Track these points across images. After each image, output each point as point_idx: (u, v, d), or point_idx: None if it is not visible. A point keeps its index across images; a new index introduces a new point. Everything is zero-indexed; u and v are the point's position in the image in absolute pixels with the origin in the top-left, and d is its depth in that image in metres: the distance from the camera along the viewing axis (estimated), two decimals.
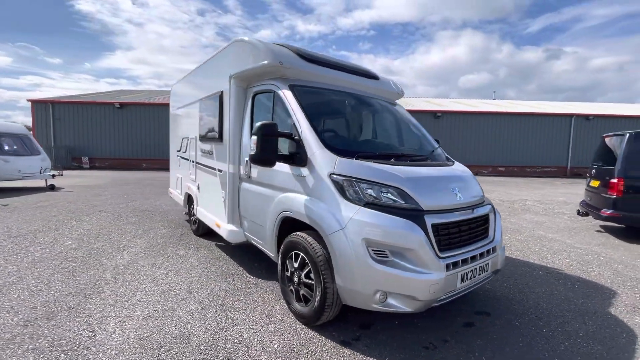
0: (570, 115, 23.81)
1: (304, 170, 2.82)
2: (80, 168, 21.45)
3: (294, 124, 3.00)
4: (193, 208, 5.62)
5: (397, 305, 2.35)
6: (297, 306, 2.87)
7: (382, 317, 2.93)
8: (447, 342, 2.62)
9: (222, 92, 4.13)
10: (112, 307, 3.05)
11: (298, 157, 2.88)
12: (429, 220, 2.44)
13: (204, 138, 4.80)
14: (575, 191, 13.83)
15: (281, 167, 3.10)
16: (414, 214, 2.42)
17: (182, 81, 6.13)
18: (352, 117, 3.73)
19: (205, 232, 5.55)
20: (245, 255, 4.64)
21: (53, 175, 11.63)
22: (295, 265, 2.87)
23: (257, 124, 2.77)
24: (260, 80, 3.63)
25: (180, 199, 6.23)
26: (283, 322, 2.86)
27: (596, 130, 23.88)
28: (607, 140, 6.82)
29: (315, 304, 2.64)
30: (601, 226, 7.14)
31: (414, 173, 2.71)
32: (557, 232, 6.52)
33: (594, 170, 6.71)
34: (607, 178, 6.03)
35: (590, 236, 6.27)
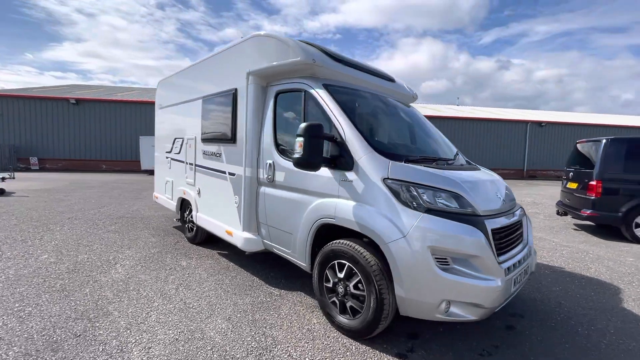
0: (526, 122, 25.80)
1: (350, 175, 2.66)
2: (28, 170, 19.28)
3: (333, 125, 2.84)
4: (189, 214, 5.20)
5: (460, 314, 2.28)
6: (343, 319, 2.70)
7: (427, 325, 2.86)
8: (498, 347, 2.60)
9: (235, 89, 3.84)
10: (128, 332, 2.67)
11: (342, 161, 2.72)
12: (489, 225, 2.40)
13: (208, 139, 4.45)
14: (537, 192, 14.93)
15: (319, 170, 2.92)
16: (475, 219, 2.37)
17: (175, 76, 5.65)
18: (383, 119, 3.64)
19: (204, 240, 5.16)
20: (256, 264, 4.35)
21: (3, 179, 10.28)
22: (341, 275, 2.70)
23: (303, 125, 2.57)
24: (285, 79, 3.41)
25: (171, 204, 5.74)
26: (328, 337, 2.67)
27: (548, 136, 26.12)
28: (579, 145, 7.40)
29: (368, 316, 2.49)
30: (576, 225, 7.72)
31: (464, 177, 2.67)
32: (541, 231, 6.93)
33: (571, 173, 7.23)
34: (586, 180, 6.52)
35: (571, 235, 6.74)
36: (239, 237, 3.77)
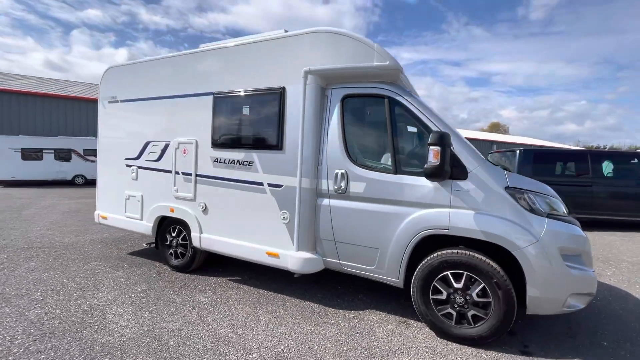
0: None
1: (465, 184, 2.69)
2: None
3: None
4: (176, 236, 4.20)
5: (576, 304, 2.58)
6: (461, 330, 2.68)
7: (523, 322, 3.05)
8: (619, 342, 2.88)
9: (283, 88, 3.35)
10: None
11: (455, 171, 2.71)
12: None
13: (228, 144, 3.71)
14: None
15: (418, 180, 2.83)
16: (571, 220, 2.74)
17: (153, 64, 4.41)
18: None
19: (198, 267, 4.25)
20: (289, 287, 3.84)
21: None
22: (458, 285, 2.68)
23: (437, 134, 2.47)
24: (356, 82, 3.17)
25: (138, 225, 4.49)
26: (451, 349, 2.60)
27: None
28: (490, 156, 9.22)
29: (495, 322, 2.56)
30: None
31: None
32: None
33: None
34: None
35: None
36: (292, 257, 3.28)
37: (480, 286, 2.61)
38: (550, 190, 2.84)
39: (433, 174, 2.54)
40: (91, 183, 15.80)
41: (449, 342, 2.71)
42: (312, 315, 3.16)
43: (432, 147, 2.48)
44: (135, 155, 4.54)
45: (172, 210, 4.17)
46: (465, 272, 2.65)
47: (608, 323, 3.16)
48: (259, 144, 3.53)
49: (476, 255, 2.62)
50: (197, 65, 4.00)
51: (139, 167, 4.50)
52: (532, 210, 2.58)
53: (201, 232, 3.94)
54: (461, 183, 2.71)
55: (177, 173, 4.12)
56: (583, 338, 2.87)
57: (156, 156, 4.33)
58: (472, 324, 2.66)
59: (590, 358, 2.58)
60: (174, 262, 4.29)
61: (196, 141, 3.95)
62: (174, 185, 4.14)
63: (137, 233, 4.71)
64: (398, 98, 2.99)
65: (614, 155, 8.75)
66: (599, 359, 2.58)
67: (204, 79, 3.91)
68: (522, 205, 2.59)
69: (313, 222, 3.29)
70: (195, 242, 3.97)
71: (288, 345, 2.62)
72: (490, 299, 2.58)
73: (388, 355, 2.52)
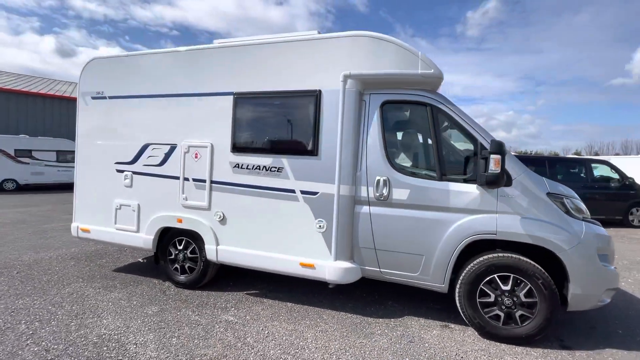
0: None
1: (510, 190, 2.82)
2: None
3: (480, 144, 2.89)
4: (183, 249, 3.81)
5: (605, 299, 2.84)
6: (512, 330, 2.79)
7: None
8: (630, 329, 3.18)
9: (319, 91, 3.22)
10: None
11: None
12: None
13: (253, 149, 3.46)
14: None
15: (463, 187, 2.91)
16: (596, 222, 3.02)
17: (152, 57, 3.91)
18: None
19: (208, 282, 3.89)
20: (321, 297, 3.68)
21: None
22: (506, 287, 2.79)
23: (497, 142, 2.57)
24: (397, 89, 3.17)
25: (133, 238, 3.97)
26: (503, 349, 2.70)
27: None
28: None
29: (541, 320, 2.71)
30: None
31: None
32: None
33: None
34: None
35: None
36: (331, 268, 3.16)
37: (527, 287, 2.75)
38: (576, 194, 3.12)
39: (494, 182, 2.62)
40: (25, 189, 13.71)
41: (498, 343, 2.81)
42: (355, 327, 3.06)
43: (492, 156, 2.57)
44: (129, 160, 4.02)
45: (179, 221, 3.76)
46: (512, 275, 2.78)
47: (612, 314, 3.53)
48: (290, 148, 3.35)
49: (522, 258, 2.76)
50: (213, 62, 3.67)
51: (135, 173, 3.99)
52: (570, 214, 2.80)
53: (218, 244, 3.61)
54: (507, 189, 2.83)
55: (186, 179, 3.73)
56: (602, 328, 3.18)
57: (158, 160, 3.87)
58: (520, 323, 2.79)
59: (616, 344, 2.87)
60: (180, 278, 3.86)
61: (211, 144, 3.62)
62: (182, 193, 3.74)
63: (129, 247, 4.17)
64: (440, 106, 3.05)
65: (563, 161, 9.96)
66: (623, 344, 2.87)
67: (223, 77, 3.60)
68: (562, 210, 2.79)
69: (351, 230, 3.21)
70: (211, 256, 3.62)
71: None
72: (537, 299, 2.73)
73: None
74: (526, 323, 2.77)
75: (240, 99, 3.51)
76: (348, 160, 3.15)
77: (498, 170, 2.56)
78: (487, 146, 2.84)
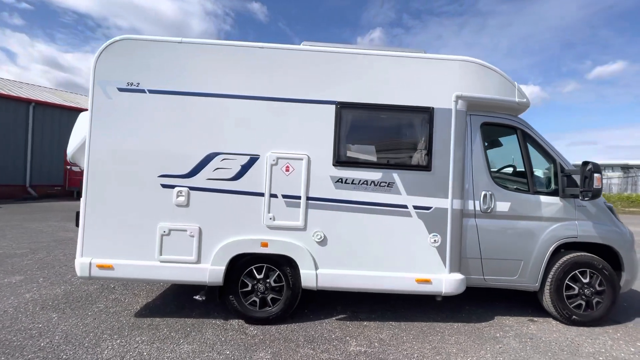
0: None
1: (584, 201, 3.49)
2: None
3: (558, 164, 3.49)
4: (263, 278, 3.27)
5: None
6: (589, 314, 3.42)
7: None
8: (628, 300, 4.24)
9: (432, 108, 3.30)
10: None
11: (577, 191, 3.47)
12: None
13: (360, 162, 3.27)
14: None
15: (549, 199, 3.46)
16: None
17: (229, 50, 3.18)
18: None
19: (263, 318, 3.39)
20: (414, 311, 3.65)
21: None
22: (586, 280, 3.42)
23: (595, 164, 3.15)
24: (494, 112, 3.53)
25: (196, 271, 3.15)
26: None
27: None
28: None
29: (609, 303, 3.43)
30: None
31: None
32: None
33: None
34: None
35: None
36: (447, 281, 3.25)
37: (599, 279, 3.44)
38: None
39: (597, 195, 3.22)
40: None
41: (583, 328, 3.41)
42: (473, 337, 3.19)
43: (596, 174, 3.16)
44: (184, 172, 3.20)
45: (264, 245, 3.20)
46: (588, 270, 3.44)
47: None
48: (402, 163, 3.31)
49: (594, 256, 3.45)
50: (308, 66, 3.30)
51: (193, 189, 3.20)
52: (617, 218, 3.66)
53: (317, 268, 3.22)
54: (581, 200, 3.50)
55: (273, 196, 3.22)
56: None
57: (231, 173, 3.22)
58: (594, 308, 3.46)
59: (621, 315, 3.81)
60: (258, 313, 3.26)
61: (307, 157, 3.23)
62: (269, 212, 3.20)
63: (183, 283, 3.28)
64: (527, 130, 3.55)
65: None
66: (630, 315, 3.85)
67: (323, 84, 3.28)
68: (614, 216, 3.62)
69: (460, 242, 3.37)
70: (309, 282, 3.20)
71: None
72: (605, 287, 3.45)
73: (581, 356, 2.96)
74: (599, 307, 3.46)
75: (345, 109, 3.28)
76: (458, 175, 3.32)
77: (600, 186, 3.18)
78: (565, 165, 3.46)
